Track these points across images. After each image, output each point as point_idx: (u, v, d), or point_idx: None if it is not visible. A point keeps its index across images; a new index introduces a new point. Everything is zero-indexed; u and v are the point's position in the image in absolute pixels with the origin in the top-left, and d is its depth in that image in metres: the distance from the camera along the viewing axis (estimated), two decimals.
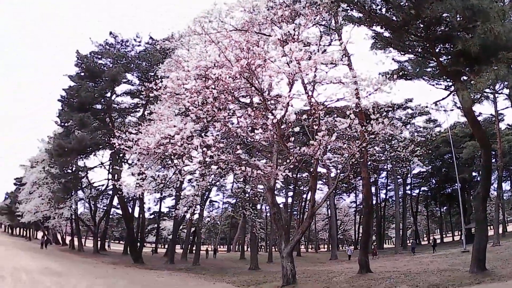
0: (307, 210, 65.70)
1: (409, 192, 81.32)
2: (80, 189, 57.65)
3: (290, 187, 68.33)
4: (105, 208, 71.62)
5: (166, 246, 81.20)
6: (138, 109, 46.63)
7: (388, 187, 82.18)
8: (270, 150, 24.74)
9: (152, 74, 37.97)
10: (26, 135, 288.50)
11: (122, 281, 24.05)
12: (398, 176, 70.43)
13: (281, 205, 27.14)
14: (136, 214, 60.59)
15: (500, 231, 48.73)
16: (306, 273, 28.96)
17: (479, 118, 28.84)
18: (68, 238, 77.35)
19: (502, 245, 36.80)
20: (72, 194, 55.07)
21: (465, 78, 19.55)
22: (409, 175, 77.02)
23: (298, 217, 75.24)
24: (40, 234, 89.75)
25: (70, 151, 40.19)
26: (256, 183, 33.28)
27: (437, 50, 19.92)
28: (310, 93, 19.45)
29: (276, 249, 67.90)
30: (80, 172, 52.24)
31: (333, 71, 20.99)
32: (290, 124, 17.18)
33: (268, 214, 66.57)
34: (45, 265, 29.78)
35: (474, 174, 64.66)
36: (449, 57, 20.10)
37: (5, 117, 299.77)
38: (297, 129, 16.61)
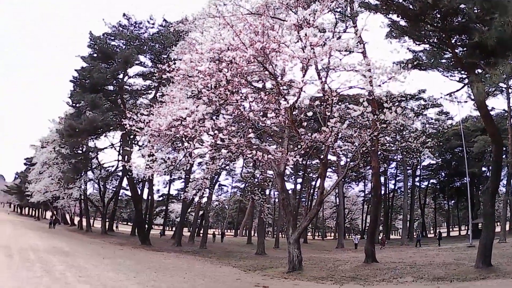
0: (315, 197, 65.73)
1: (418, 184, 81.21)
2: (90, 170, 58.16)
3: (300, 173, 68.38)
4: (114, 189, 72.06)
5: (174, 229, 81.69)
6: (150, 91, 46.72)
7: (397, 178, 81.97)
8: (281, 135, 24.68)
9: (165, 56, 38.00)
10: (37, 115, 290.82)
11: (129, 261, 24.23)
12: (408, 167, 70.28)
13: (289, 191, 27.16)
14: (145, 196, 60.96)
15: (507, 228, 48.53)
16: (312, 260, 29.06)
17: (492, 113, 28.61)
18: (76, 219, 78.07)
19: (508, 242, 36.75)
20: (82, 174, 55.52)
21: (479, 70, 19.40)
22: (418, 167, 76.79)
23: (306, 204, 75.35)
24: (48, 214, 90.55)
25: (81, 132, 40.32)
26: (265, 168, 33.26)
27: (453, 41, 19.78)
28: (323, 79, 19.31)
29: (283, 235, 68.29)
30: (90, 153, 52.52)
31: (347, 58, 20.86)
32: (302, 109, 17.11)
33: (276, 200, 66.69)
34: (53, 245, 30.06)
35: (483, 169, 64.46)
36: (465, 48, 19.97)
37: (15, 98, 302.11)
38: (310, 113, 16.49)
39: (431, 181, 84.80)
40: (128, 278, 16.39)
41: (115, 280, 15.46)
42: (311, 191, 76.96)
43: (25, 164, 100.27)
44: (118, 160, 54.00)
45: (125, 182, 63.14)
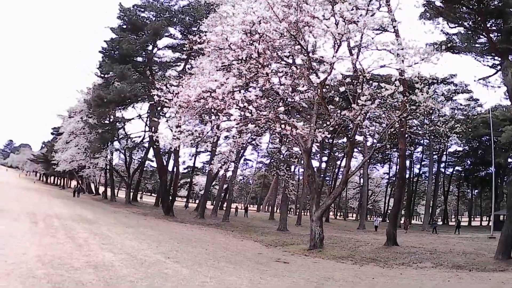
0: (339, 176, 65.64)
1: (442, 170, 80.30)
2: (116, 140, 58.83)
3: (325, 152, 68.14)
4: (140, 160, 72.81)
5: (197, 201, 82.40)
6: (179, 63, 46.68)
7: (423, 163, 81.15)
8: (309, 112, 24.54)
9: (195, 29, 37.80)
10: (65, 86, 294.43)
11: (152, 231, 24.54)
12: (434, 152, 69.50)
13: (315, 169, 27.14)
14: (169, 167, 61.48)
15: None
16: (333, 239, 29.07)
17: None
18: (101, 188, 79.17)
19: None
20: (108, 144, 56.23)
21: None
22: (444, 153, 75.96)
23: (330, 183, 75.21)
24: (73, 183, 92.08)
25: (109, 102, 40.71)
26: (292, 144, 33.23)
27: (488, 25, 19.37)
28: (355, 56, 19.07)
29: (305, 213, 68.39)
30: (117, 123, 52.95)
31: (380, 37, 20.63)
32: (333, 86, 16.99)
33: (301, 177, 66.67)
34: (77, 213, 30.61)
35: (510, 160, 63.32)
36: (500, 33, 19.53)
37: (44, 68, 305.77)
38: (342, 89, 16.33)
39: (456, 168, 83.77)
40: (151, 248, 16.60)
41: (137, 249, 15.68)
42: (336, 170, 76.77)
43: (52, 133, 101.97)
44: (145, 131, 54.48)
45: (151, 153, 63.72)
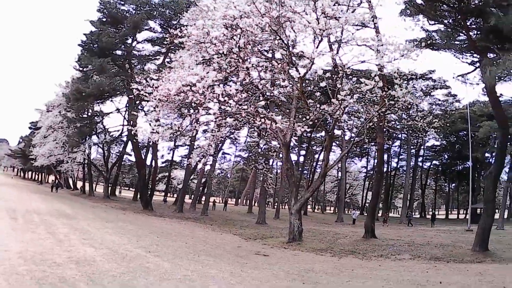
0: (318, 170, 66.05)
1: (420, 164, 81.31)
2: (94, 134, 58.35)
3: (303, 146, 68.40)
4: (118, 154, 72.37)
5: (175, 195, 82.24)
6: (158, 57, 46.46)
7: (400, 157, 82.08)
8: (288, 106, 24.70)
9: (175, 22, 37.63)
10: (42, 80, 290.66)
11: (132, 226, 24.51)
12: (412, 147, 70.34)
13: (293, 163, 27.44)
14: (148, 162, 61.24)
15: (505, 216, 48.74)
16: (311, 232, 29.33)
17: (500, 99, 28.63)
18: (79, 183, 78.50)
19: (505, 230, 37.08)
20: (87, 138, 55.81)
21: (492, 55, 19.32)
22: (422, 147, 76.99)
23: (308, 176, 75.56)
24: (51, 178, 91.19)
25: (88, 96, 40.43)
26: (271, 138, 33.37)
27: (468, 23, 19.67)
28: (335, 51, 19.26)
29: (283, 206, 68.70)
30: (96, 117, 52.64)
31: (360, 33, 20.81)
32: (313, 80, 17.14)
33: (279, 171, 66.95)
34: (56, 208, 30.42)
35: (487, 155, 64.36)
36: (479, 32, 19.87)
37: (21, 62, 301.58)
38: (323, 84, 16.48)
39: (434, 162, 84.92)
40: (131, 242, 16.62)
41: (118, 243, 15.68)
42: (314, 164, 77.16)
43: (29, 128, 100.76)
44: (123, 125, 54.22)
45: (129, 148, 63.56)
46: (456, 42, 21.82)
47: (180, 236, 21.73)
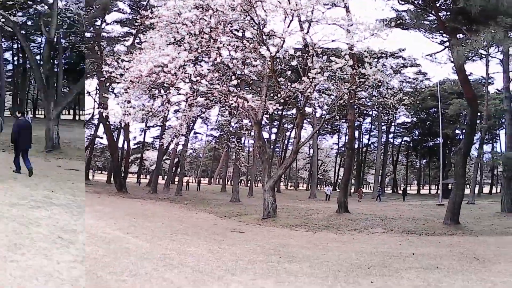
0: (289, 147, 66.36)
1: (391, 140, 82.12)
2: None
3: (275, 123, 68.55)
4: (89, 137, 71.50)
5: (149, 177, 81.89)
6: (127, 38, 45.91)
7: (371, 133, 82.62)
8: (259, 85, 24.86)
9: (144, 3, 37.24)
10: None
11: (108, 208, 24.38)
12: (383, 123, 71.15)
13: (265, 140, 27.74)
14: (119, 144, 60.67)
15: (476, 191, 49.93)
16: (285, 208, 29.61)
17: (470, 78, 29.31)
18: None
19: (476, 205, 37.94)
20: None
21: (461, 35, 19.74)
22: (393, 124, 77.75)
23: (280, 154, 75.85)
24: None
25: None
26: (242, 116, 33.49)
27: (437, 4, 20.00)
28: (306, 31, 19.45)
29: (256, 184, 69.06)
30: None
31: (330, 12, 20.99)
32: (284, 59, 17.33)
33: (251, 149, 67.13)
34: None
35: (457, 131, 65.44)
36: (448, 13, 20.20)
37: None
38: (294, 62, 16.71)
39: (405, 138, 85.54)
40: (109, 225, 16.66)
41: (95, 227, 15.68)
42: (286, 141, 77.46)
43: None
44: (94, 108, 53.59)
45: (100, 131, 62.69)
46: (426, 22, 22.16)
47: (156, 217, 21.79)
